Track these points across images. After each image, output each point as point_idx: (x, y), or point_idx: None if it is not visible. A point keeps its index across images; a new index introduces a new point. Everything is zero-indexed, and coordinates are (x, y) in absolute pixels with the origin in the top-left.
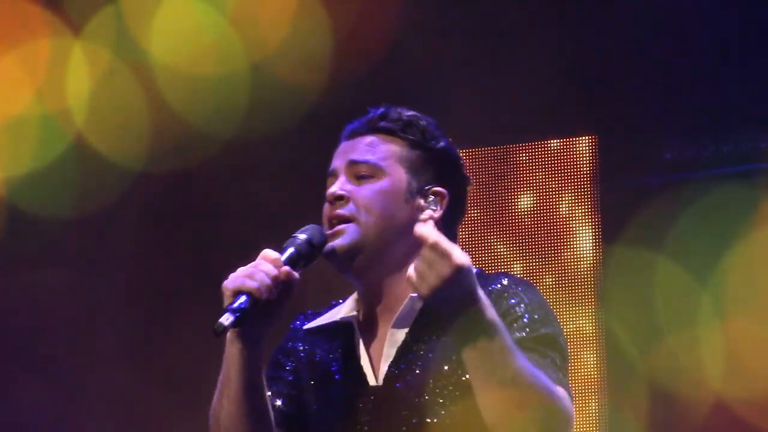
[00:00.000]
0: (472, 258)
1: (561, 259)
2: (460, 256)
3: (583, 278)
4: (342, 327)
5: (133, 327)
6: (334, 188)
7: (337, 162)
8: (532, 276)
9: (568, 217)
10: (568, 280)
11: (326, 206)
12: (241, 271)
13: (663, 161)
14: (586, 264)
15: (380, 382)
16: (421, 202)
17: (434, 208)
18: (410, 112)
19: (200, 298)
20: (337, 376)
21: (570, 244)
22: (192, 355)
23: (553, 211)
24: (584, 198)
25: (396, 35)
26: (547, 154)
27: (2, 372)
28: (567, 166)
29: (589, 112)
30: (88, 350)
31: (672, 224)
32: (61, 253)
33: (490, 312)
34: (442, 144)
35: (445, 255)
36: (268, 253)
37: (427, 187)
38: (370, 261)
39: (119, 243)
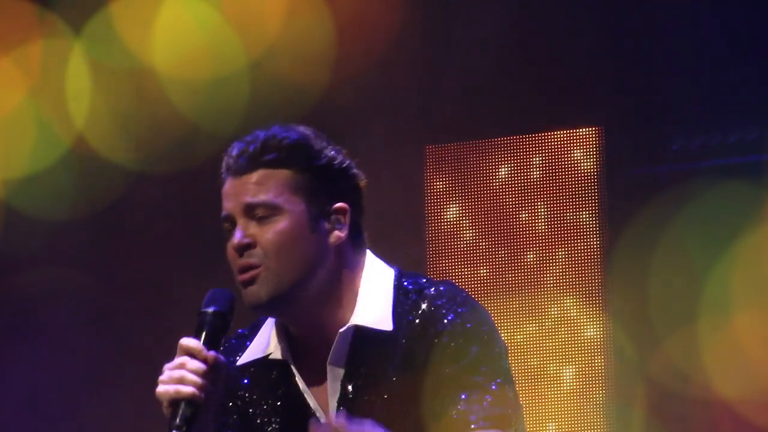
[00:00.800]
0: (476, 255)
1: (566, 251)
2: None
3: (589, 269)
4: (277, 363)
5: (133, 327)
6: (239, 237)
7: (230, 205)
8: (536, 273)
9: (574, 208)
10: (573, 272)
11: (232, 252)
12: (169, 376)
13: (670, 152)
14: (592, 253)
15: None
16: (326, 225)
17: (339, 227)
18: (286, 133)
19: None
20: (284, 415)
21: (575, 234)
22: None
23: (557, 204)
24: (590, 189)
25: (396, 34)
26: (552, 144)
27: (2, 372)
28: (571, 157)
29: (596, 103)
30: (88, 350)
31: (678, 214)
32: (61, 254)
33: None
34: (326, 157)
35: None
36: (190, 345)
37: (327, 208)
38: (294, 303)
39: (119, 243)
